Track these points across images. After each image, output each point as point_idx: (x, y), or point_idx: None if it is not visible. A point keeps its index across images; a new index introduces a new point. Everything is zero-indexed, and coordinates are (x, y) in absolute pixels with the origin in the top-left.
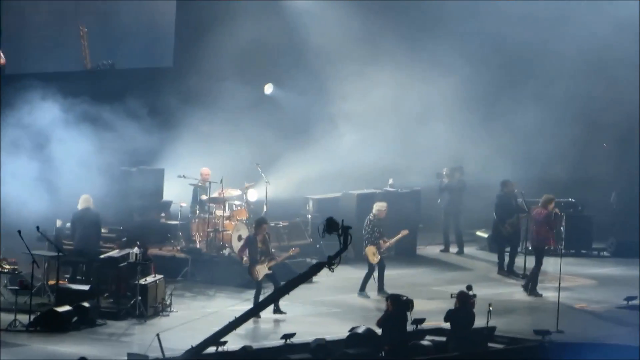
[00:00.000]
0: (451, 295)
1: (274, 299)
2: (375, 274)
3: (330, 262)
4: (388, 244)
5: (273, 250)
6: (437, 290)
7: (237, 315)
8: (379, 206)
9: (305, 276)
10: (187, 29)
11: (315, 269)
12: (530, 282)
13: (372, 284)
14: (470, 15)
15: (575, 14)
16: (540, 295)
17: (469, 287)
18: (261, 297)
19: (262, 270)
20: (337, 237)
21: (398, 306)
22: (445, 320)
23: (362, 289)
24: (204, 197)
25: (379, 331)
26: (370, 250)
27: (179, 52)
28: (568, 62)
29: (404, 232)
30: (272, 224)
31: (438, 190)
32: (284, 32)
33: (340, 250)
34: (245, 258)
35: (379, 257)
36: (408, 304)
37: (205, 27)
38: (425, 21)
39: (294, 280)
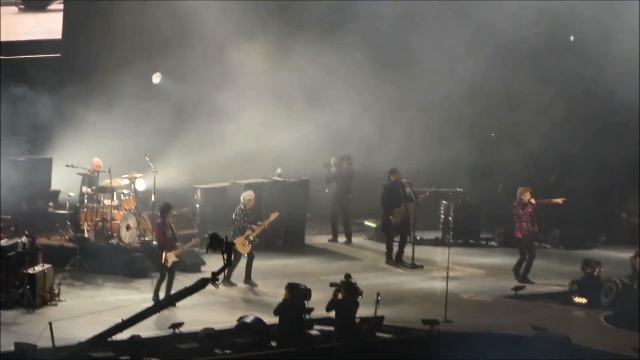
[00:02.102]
0: (330, 284)
1: (157, 309)
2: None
3: (214, 278)
4: (261, 227)
5: None
6: (325, 279)
7: (124, 319)
8: (247, 195)
9: (190, 291)
10: (74, 21)
11: (200, 285)
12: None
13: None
14: None
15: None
16: (532, 282)
17: (348, 276)
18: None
19: (171, 257)
20: (221, 253)
21: (295, 295)
22: (328, 309)
23: (248, 277)
24: (85, 188)
25: (267, 320)
26: (239, 240)
27: (66, 42)
28: (456, 45)
29: (274, 215)
30: None
31: (326, 180)
32: (171, 21)
33: (224, 266)
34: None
35: (249, 246)
36: (306, 293)
37: (92, 17)
38: (313, 7)
39: (179, 293)
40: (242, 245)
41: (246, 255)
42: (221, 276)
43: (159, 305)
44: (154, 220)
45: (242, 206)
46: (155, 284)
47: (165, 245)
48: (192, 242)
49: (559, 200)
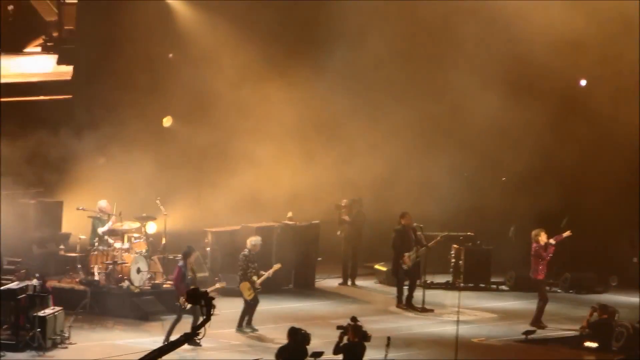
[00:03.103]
0: (337, 327)
1: None
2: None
3: (194, 334)
4: (265, 277)
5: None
6: (335, 323)
7: None
8: (253, 241)
9: (174, 345)
10: (84, 61)
11: (183, 340)
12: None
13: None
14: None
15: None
16: (544, 327)
17: (354, 319)
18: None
19: None
20: (200, 307)
21: (296, 339)
22: (335, 353)
23: (240, 325)
24: (101, 230)
25: None
26: (245, 285)
27: (77, 83)
28: (470, 88)
29: (277, 267)
30: (171, 257)
31: (338, 222)
32: (182, 63)
33: (204, 320)
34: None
35: (253, 293)
36: (306, 337)
37: (102, 58)
38: (319, 41)
39: (162, 348)
40: (247, 290)
41: (249, 300)
42: (202, 331)
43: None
44: (164, 263)
45: (246, 251)
46: (170, 325)
47: (181, 288)
48: (216, 285)
49: (568, 233)
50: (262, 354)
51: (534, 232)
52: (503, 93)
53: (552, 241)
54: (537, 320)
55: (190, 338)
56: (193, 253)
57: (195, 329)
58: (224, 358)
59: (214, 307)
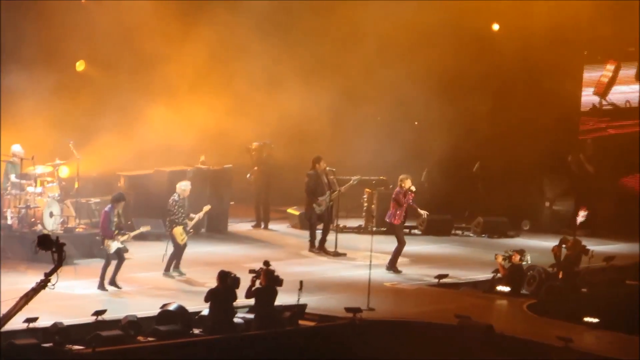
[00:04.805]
0: (249, 271)
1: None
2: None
3: (46, 280)
4: (195, 220)
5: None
6: (248, 267)
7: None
8: (183, 185)
9: (35, 292)
10: None
11: (41, 286)
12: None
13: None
14: None
15: None
16: (400, 272)
17: (267, 263)
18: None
19: (115, 244)
20: (52, 253)
21: (226, 283)
22: (247, 297)
23: (167, 269)
24: (12, 177)
25: (190, 308)
26: (177, 230)
27: None
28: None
29: (206, 208)
30: (84, 201)
31: (249, 166)
32: (94, 8)
33: (55, 266)
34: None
35: (186, 237)
36: (235, 281)
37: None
38: None
39: (27, 294)
40: (180, 234)
41: (183, 245)
42: (54, 277)
43: (16, 306)
44: (77, 207)
45: (176, 196)
46: (101, 270)
47: (106, 233)
48: (137, 231)
49: (423, 212)
50: (176, 298)
51: (400, 177)
52: (417, 39)
53: (413, 188)
54: (393, 265)
55: (45, 286)
56: (122, 200)
57: (48, 274)
58: (140, 302)
59: (65, 252)
